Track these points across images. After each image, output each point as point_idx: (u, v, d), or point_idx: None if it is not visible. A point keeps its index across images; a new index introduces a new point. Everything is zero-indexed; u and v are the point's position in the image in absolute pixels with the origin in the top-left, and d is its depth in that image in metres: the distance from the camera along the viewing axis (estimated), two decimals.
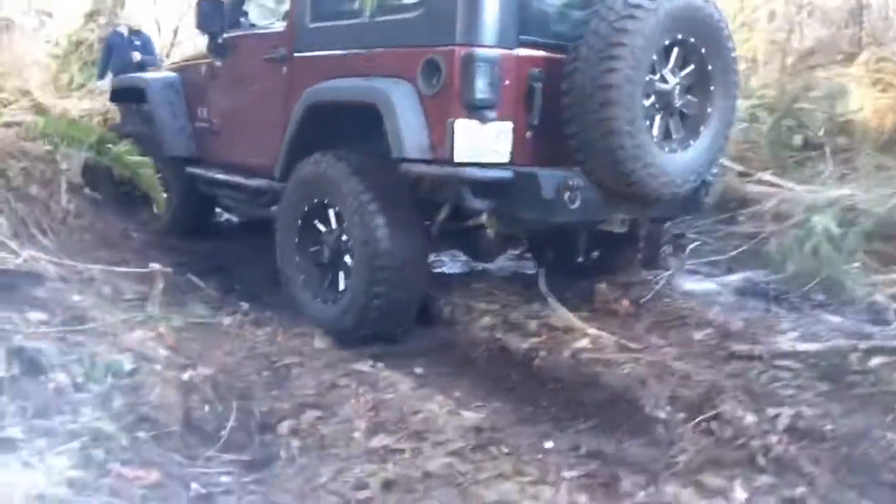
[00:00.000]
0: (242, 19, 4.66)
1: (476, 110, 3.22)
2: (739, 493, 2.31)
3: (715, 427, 2.70)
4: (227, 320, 3.69)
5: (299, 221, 3.78)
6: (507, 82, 3.29)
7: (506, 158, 3.32)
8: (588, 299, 4.18)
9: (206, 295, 4.12)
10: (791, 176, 5.83)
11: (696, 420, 2.75)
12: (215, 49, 4.59)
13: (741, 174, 5.99)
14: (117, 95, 5.61)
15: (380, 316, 3.47)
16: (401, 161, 3.33)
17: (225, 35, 4.54)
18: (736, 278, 4.54)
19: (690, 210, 4.12)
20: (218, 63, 4.64)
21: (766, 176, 5.89)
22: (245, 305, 3.96)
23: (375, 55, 3.58)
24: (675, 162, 3.46)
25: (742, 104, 6.62)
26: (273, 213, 4.04)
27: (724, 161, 5.72)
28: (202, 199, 4.95)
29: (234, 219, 5.90)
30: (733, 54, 3.63)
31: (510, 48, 3.32)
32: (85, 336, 2.87)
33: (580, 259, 4.34)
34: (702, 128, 3.57)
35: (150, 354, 2.88)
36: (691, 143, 3.54)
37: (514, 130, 3.34)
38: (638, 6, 3.22)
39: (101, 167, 4.57)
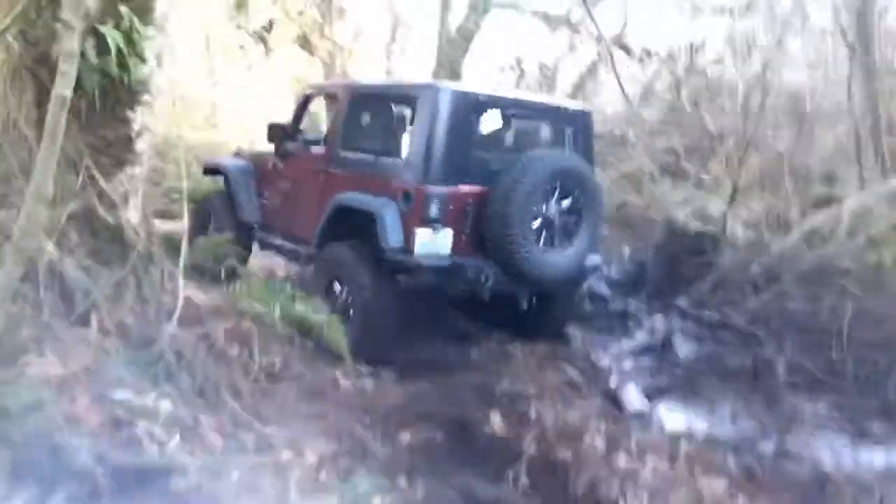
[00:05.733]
0: (298, 136, 6.70)
1: (430, 223, 5.21)
2: None
3: None
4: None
5: (323, 287, 5.66)
6: (451, 207, 5.29)
7: (447, 252, 5.31)
8: None
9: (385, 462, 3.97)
10: None
11: None
12: (279, 154, 6.71)
13: None
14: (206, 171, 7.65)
15: (370, 343, 5.20)
16: (385, 250, 5.25)
17: (285, 146, 6.64)
18: None
19: (572, 288, 6.19)
20: (279, 164, 6.72)
21: None
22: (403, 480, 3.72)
23: (377, 180, 5.55)
24: (555, 259, 5.48)
25: None
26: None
27: None
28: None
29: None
30: (597, 191, 5.69)
31: (454, 186, 5.34)
32: None
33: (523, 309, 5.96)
34: (575, 238, 5.58)
35: None
36: (567, 247, 5.55)
37: (454, 235, 5.33)
38: (528, 167, 5.30)
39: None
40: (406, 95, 5.86)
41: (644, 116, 12.24)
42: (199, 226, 7.24)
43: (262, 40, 9.81)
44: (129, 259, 4.12)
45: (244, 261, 6.87)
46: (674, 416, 4.74)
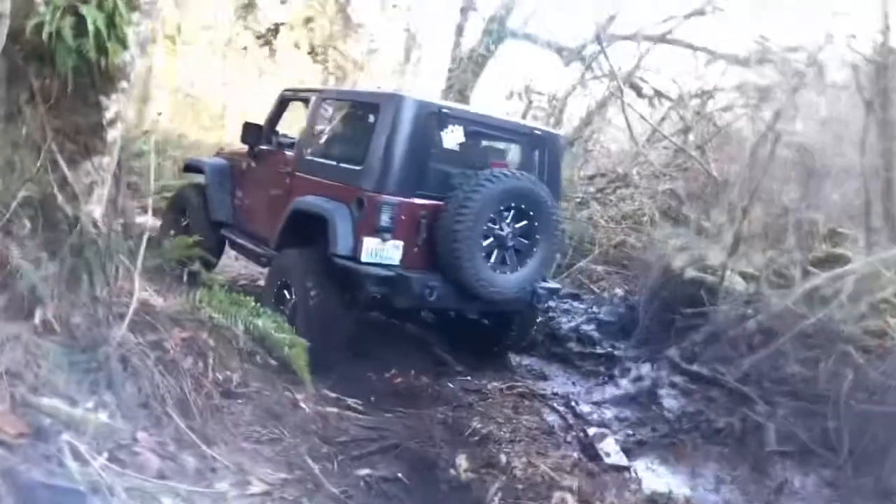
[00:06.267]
0: (273, 137, 6.67)
1: (379, 232, 5.15)
2: None
3: None
4: None
5: (275, 290, 5.60)
6: (403, 217, 5.23)
7: (396, 263, 5.24)
8: None
9: (336, 498, 3.65)
10: None
11: None
12: (252, 155, 6.71)
13: None
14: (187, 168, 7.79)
15: (316, 349, 4.68)
16: (334, 256, 5.18)
17: (259, 147, 6.62)
18: None
19: (526, 309, 5.96)
20: (252, 164, 6.71)
21: None
22: None
23: (335, 186, 5.50)
24: (506, 279, 5.43)
25: None
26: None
27: None
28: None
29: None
30: (554, 215, 5.60)
31: (408, 197, 5.29)
32: None
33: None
34: (528, 259, 5.52)
35: None
36: (520, 268, 5.50)
37: (406, 246, 5.27)
38: (481, 185, 5.21)
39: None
40: (370, 104, 5.77)
41: (649, 157, 12.02)
42: (173, 220, 7.29)
43: (268, 43, 9.60)
44: (83, 254, 3.83)
45: (212, 262, 6.67)
46: (654, 476, 4.43)
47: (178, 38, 17.06)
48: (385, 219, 5.15)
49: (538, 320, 6.63)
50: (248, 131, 6.73)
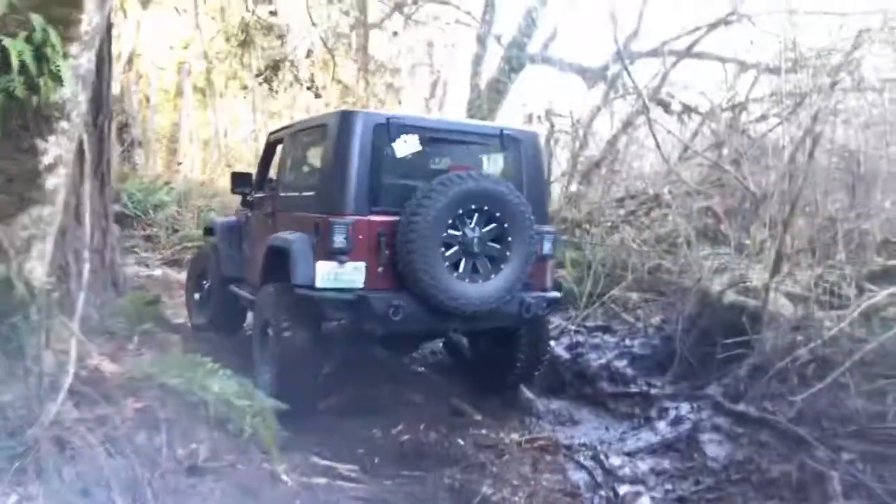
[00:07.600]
0: (265, 183, 6.51)
1: (334, 255, 4.85)
2: None
3: None
4: None
5: (259, 333, 5.42)
6: (360, 237, 4.92)
7: (360, 285, 4.90)
8: None
9: None
10: None
11: None
12: (246, 204, 6.75)
13: None
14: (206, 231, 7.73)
15: (288, 383, 4.86)
16: (295, 287, 4.93)
17: (254, 195, 6.58)
18: None
19: (512, 323, 5.43)
20: (249, 214, 6.66)
21: None
22: None
23: (297, 216, 5.38)
24: (478, 289, 5.03)
25: None
26: None
27: None
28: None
29: None
30: (527, 216, 5.15)
31: (364, 215, 4.96)
32: None
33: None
34: (503, 265, 5.12)
35: None
36: (493, 276, 5.09)
37: (370, 267, 4.94)
38: (432, 190, 4.91)
39: None
40: (320, 125, 5.55)
41: (682, 176, 11.35)
42: (196, 282, 7.30)
43: (267, 81, 9.27)
44: (12, 319, 3.33)
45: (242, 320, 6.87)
46: None
47: (207, 91, 16.94)
48: (339, 240, 4.85)
49: (549, 349, 6.11)
50: (237, 181, 6.70)
